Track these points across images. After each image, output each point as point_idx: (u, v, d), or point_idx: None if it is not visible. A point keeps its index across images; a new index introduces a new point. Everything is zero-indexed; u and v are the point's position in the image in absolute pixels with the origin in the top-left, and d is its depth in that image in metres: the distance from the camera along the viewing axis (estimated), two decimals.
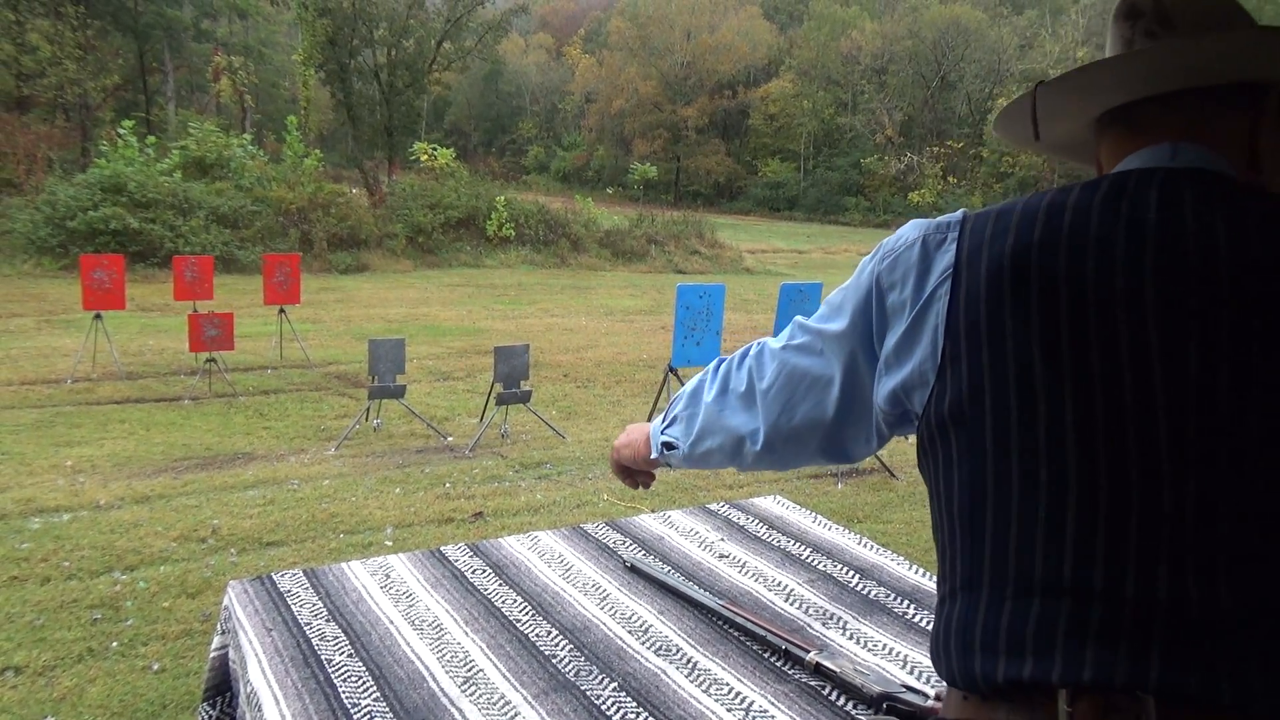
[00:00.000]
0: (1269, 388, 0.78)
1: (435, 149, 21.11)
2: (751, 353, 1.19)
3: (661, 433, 1.33)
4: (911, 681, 1.41)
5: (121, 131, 15.70)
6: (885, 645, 1.53)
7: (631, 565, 1.81)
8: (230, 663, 1.57)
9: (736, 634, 1.55)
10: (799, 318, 1.13)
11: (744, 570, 1.83)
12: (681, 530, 2.04)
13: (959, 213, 0.94)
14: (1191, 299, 0.80)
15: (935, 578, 0.95)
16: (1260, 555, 0.77)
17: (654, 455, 1.35)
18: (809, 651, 1.43)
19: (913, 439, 0.98)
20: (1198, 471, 0.78)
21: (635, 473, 1.47)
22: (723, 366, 1.24)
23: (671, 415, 1.33)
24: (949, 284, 0.89)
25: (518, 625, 1.56)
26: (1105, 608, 0.78)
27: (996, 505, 0.84)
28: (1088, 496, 0.80)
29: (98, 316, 7.34)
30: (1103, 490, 0.79)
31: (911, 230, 0.97)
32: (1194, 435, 0.78)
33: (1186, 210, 0.83)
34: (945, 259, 0.91)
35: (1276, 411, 0.77)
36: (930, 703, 1.27)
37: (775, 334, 1.21)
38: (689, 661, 1.46)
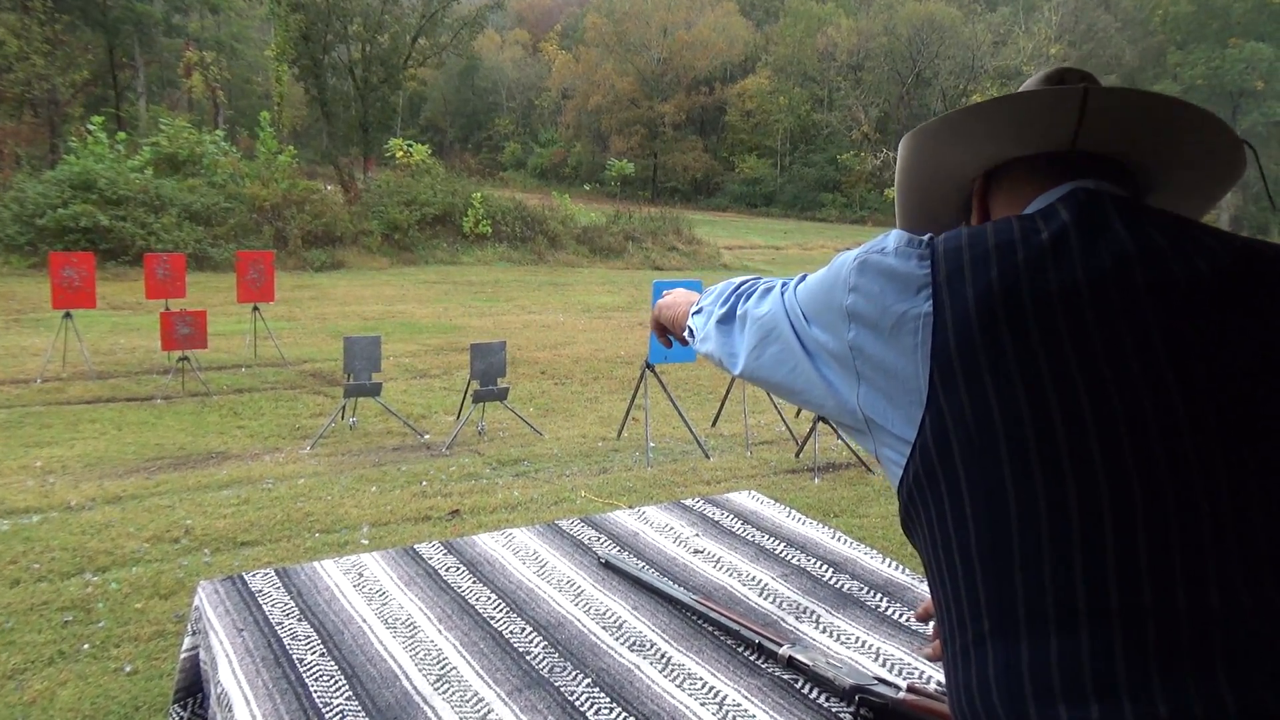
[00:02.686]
0: (1269, 382, 0.80)
1: (411, 145, 20.97)
2: (753, 300, 1.15)
3: (690, 315, 1.33)
4: (884, 674, 1.42)
5: (91, 127, 15.50)
6: (858, 638, 1.54)
7: (606, 561, 1.81)
8: (201, 663, 1.56)
9: (710, 629, 1.56)
10: (792, 294, 1.07)
11: (718, 565, 1.83)
12: (656, 526, 2.04)
13: (924, 236, 0.93)
14: (1186, 308, 0.82)
15: (946, 628, 0.88)
16: None
17: (684, 333, 1.37)
18: (781, 645, 1.43)
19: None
20: (1230, 476, 0.77)
21: (668, 332, 1.49)
22: (736, 295, 1.21)
23: (700, 304, 1.31)
24: (929, 305, 0.87)
25: (491, 623, 1.56)
26: (1159, 626, 0.75)
27: (1023, 535, 0.79)
28: (1124, 514, 0.77)
29: (68, 315, 7.25)
30: (1138, 506, 0.77)
31: (883, 239, 0.95)
32: (1219, 440, 0.78)
33: (1151, 230, 0.86)
34: (919, 275, 0.89)
35: None
36: (902, 694, 1.28)
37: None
38: (663, 657, 1.46)
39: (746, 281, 1.22)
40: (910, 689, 1.29)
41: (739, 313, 1.16)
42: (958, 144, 1.03)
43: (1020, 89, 1.05)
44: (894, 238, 0.94)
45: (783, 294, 1.08)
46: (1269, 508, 0.77)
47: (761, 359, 1.09)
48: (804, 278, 1.06)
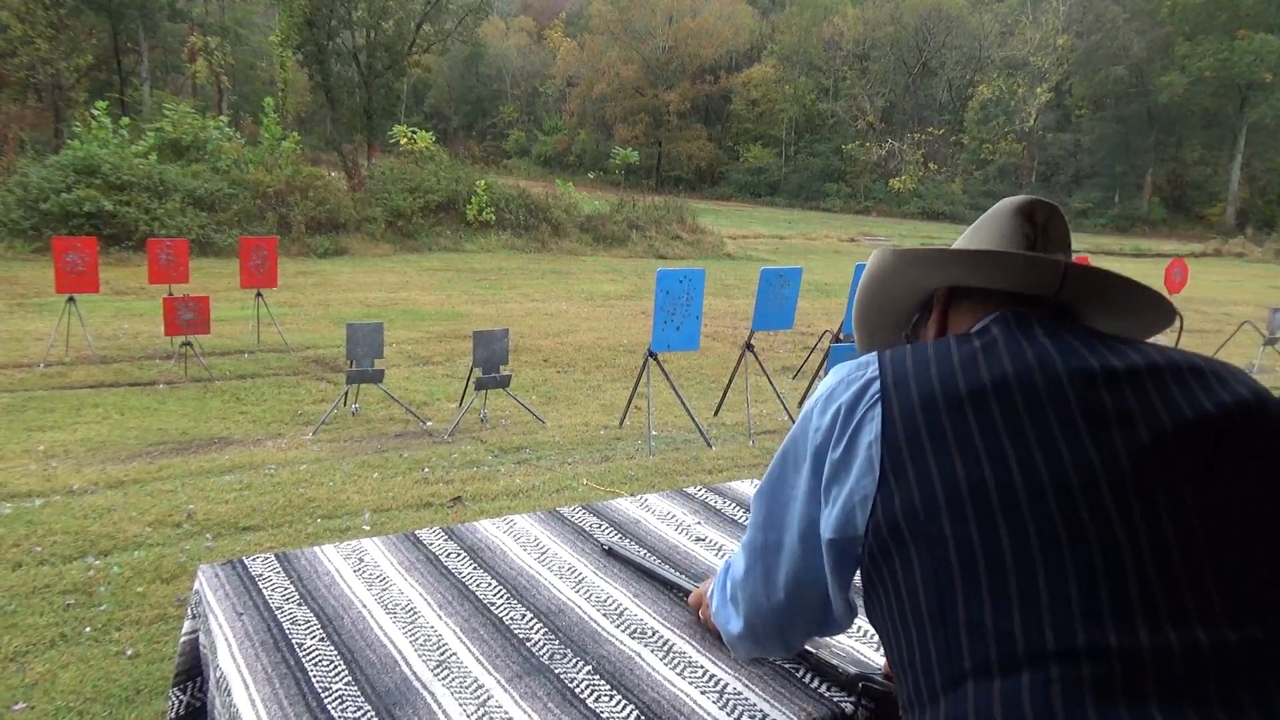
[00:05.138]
0: (1180, 444, 0.91)
1: (415, 132, 20.90)
2: (730, 572, 1.29)
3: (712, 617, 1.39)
4: (883, 663, 1.41)
5: (95, 112, 15.45)
6: (859, 628, 1.54)
7: (609, 549, 1.80)
8: (201, 647, 1.56)
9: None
10: (753, 499, 1.20)
11: (720, 553, 1.83)
12: (658, 514, 2.03)
13: (871, 355, 1.07)
14: (1101, 387, 0.94)
15: (904, 698, 0.96)
16: (1272, 581, 0.85)
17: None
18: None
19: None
20: (1147, 523, 0.86)
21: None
22: (721, 586, 1.34)
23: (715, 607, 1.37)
24: (878, 406, 0.99)
25: (492, 609, 1.55)
26: (1093, 664, 0.80)
27: (966, 592, 0.87)
28: (1054, 561, 0.85)
29: (71, 300, 7.24)
30: (1066, 553, 0.84)
31: (835, 374, 1.08)
32: (1136, 492, 0.87)
33: (1070, 337, 1.01)
34: (871, 388, 1.01)
35: (1197, 457, 0.90)
36: None
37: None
38: (664, 644, 1.45)
39: (725, 575, 1.34)
40: None
41: (731, 590, 1.28)
42: (936, 273, 1.18)
43: (989, 213, 1.22)
44: (840, 372, 1.08)
45: (748, 536, 1.21)
46: (1185, 550, 0.85)
47: (773, 589, 1.18)
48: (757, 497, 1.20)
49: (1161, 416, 0.92)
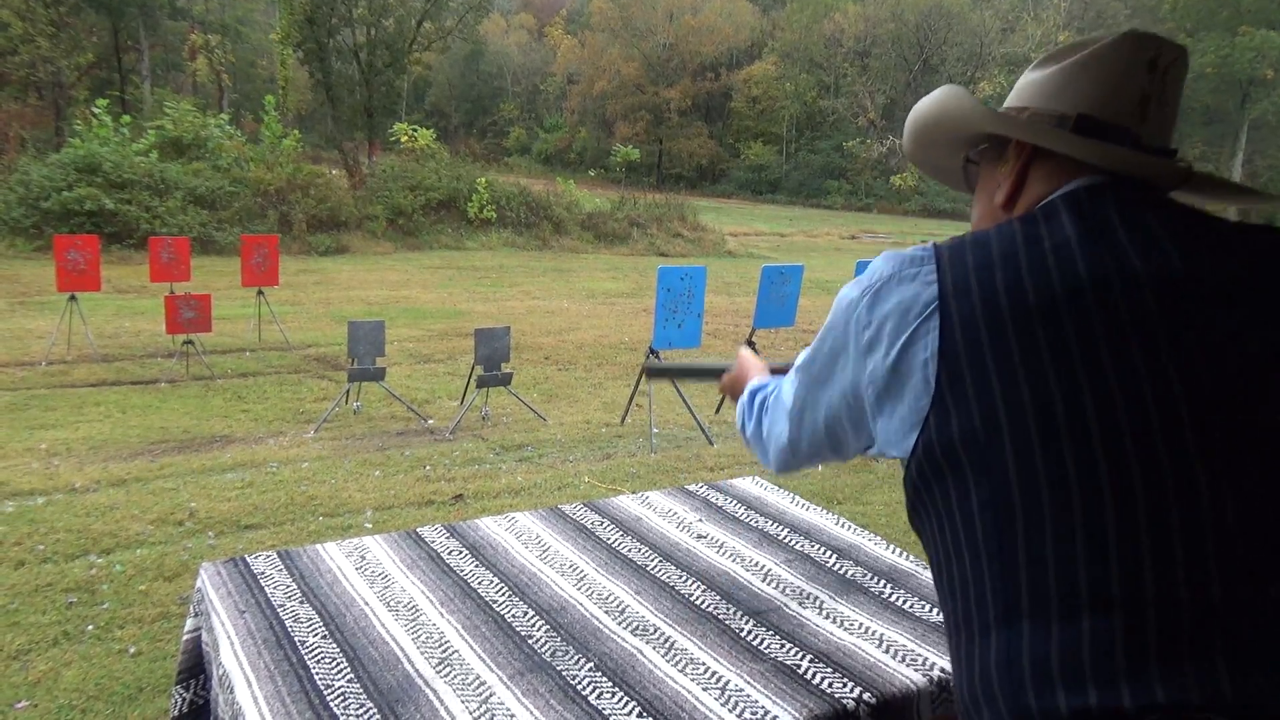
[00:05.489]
0: (1275, 379, 0.82)
1: (416, 130, 20.90)
2: (769, 409, 1.24)
3: (742, 401, 1.37)
4: (888, 660, 1.42)
5: (96, 110, 15.45)
6: (861, 624, 1.54)
7: (648, 368, 1.81)
8: (203, 645, 1.56)
9: (713, 613, 1.55)
10: (796, 369, 1.14)
11: (722, 550, 1.83)
12: (660, 511, 2.04)
13: (927, 246, 0.95)
14: (1191, 304, 0.84)
15: (952, 620, 0.90)
16: None
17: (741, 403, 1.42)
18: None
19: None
20: (1233, 471, 0.78)
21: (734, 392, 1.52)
22: (754, 413, 1.30)
23: (744, 404, 1.35)
24: (935, 318, 0.89)
25: (494, 606, 1.55)
26: (1160, 616, 0.76)
27: (1028, 526, 0.81)
28: (1126, 505, 0.78)
29: (72, 298, 7.24)
30: (1140, 498, 0.78)
31: (885, 265, 0.97)
32: (1222, 434, 0.79)
33: (1156, 227, 0.89)
34: (926, 294, 0.91)
35: None
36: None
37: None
38: (666, 641, 1.46)
39: (767, 388, 1.30)
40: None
41: (766, 408, 1.25)
42: (1024, 135, 1.02)
43: (1109, 44, 1.02)
44: (891, 263, 0.96)
45: (796, 374, 1.14)
46: (1271, 503, 0.78)
47: (800, 436, 1.14)
48: (810, 350, 1.12)
49: (1252, 344, 0.83)
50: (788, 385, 1.16)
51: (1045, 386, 0.82)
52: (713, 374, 1.60)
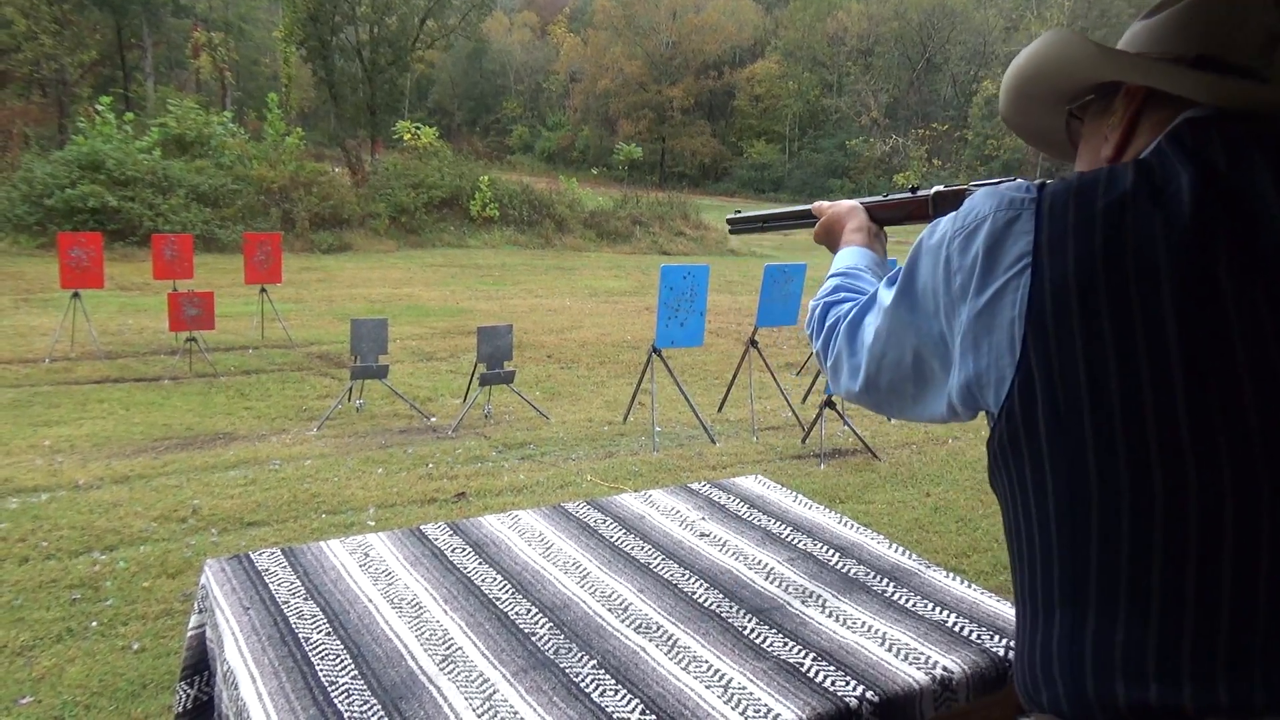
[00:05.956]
0: None
1: (418, 128, 20.91)
2: (840, 335, 1.16)
3: (817, 319, 1.28)
4: (890, 658, 1.42)
5: (99, 108, 15.46)
6: (864, 623, 1.54)
7: (733, 218, 1.79)
8: (207, 641, 1.57)
9: (715, 611, 1.56)
10: (882, 291, 1.06)
11: (724, 549, 1.83)
12: (662, 509, 2.04)
13: (1031, 186, 0.87)
14: None
15: (1020, 588, 0.87)
16: None
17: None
18: None
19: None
20: None
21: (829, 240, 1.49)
22: (830, 320, 1.22)
23: (819, 322, 1.26)
24: (1027, 274, 0.82)
25: (497, 604, 1.56)
26: (1234, 618, 0.73)
27: (1103, 510, 0.77)
28: (1211, 501, 0.74)
29: (76, 295, 7.25)
30: (1227, 495, 0.73)
31: (983, 204, 0.89)
32: None
33: (1270, 165, 0.80)
34: (1020, 244, 0.84)
35: None
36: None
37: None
38: (668, 639, 1.46)
39: (842, 306, 1.20)
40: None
41: (837, 333, 1.16)
42: (1137, 75, 0.93)
43: None
44: (990, 202, 0.88)
45: (884, 299, 1.05)
46: None
47: (880, 374, 1.06)
48: (896, 273, 1.04)
49: None
50: (870, 318, 1.07)
51: (1135, 358, 0.76)
52: (800, 221, 1.54)
